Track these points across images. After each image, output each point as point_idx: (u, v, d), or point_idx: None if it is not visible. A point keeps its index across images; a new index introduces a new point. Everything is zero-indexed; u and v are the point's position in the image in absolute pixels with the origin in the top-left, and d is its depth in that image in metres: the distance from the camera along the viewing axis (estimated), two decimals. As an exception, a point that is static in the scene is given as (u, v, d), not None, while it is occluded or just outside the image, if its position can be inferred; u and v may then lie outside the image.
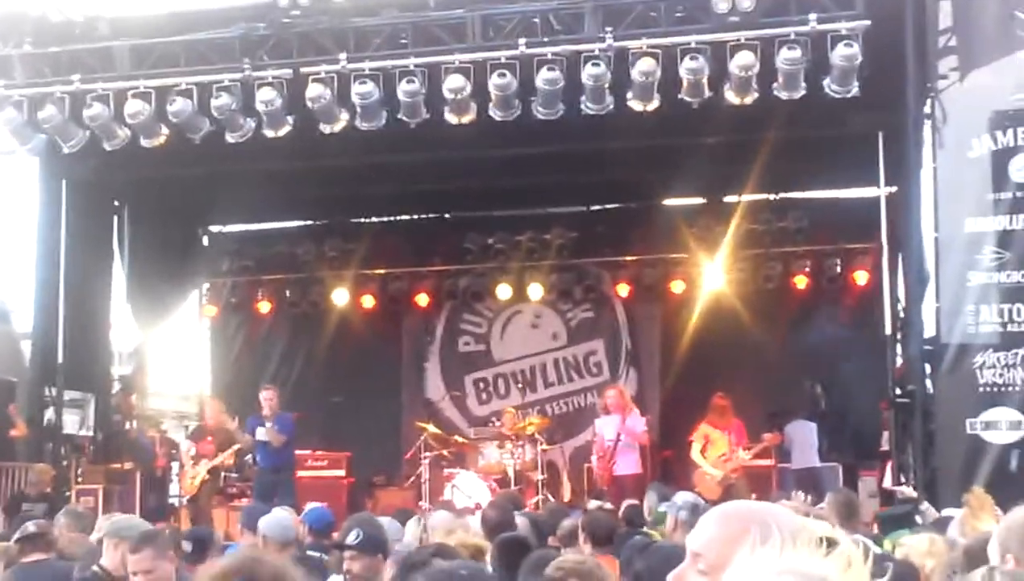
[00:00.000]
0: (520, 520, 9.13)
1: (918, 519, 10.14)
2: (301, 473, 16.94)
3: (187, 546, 8.69)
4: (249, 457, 17.90)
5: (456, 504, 15.03)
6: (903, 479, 13.86)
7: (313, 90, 13.63)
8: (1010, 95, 12.64)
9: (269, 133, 14.10)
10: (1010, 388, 12.44)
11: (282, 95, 13.77)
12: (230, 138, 14.17)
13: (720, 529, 2.70)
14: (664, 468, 17.54)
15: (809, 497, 12.14)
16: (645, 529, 8.85)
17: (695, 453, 15.60)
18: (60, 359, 15.78)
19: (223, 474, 16.73)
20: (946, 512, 10.69)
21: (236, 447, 15.83)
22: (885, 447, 15.42)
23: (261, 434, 15.47)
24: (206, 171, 15.96)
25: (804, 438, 16.87)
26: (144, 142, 14.29)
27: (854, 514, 8.82)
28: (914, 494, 12.12)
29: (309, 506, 11.23)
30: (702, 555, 2.67)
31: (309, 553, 8.49)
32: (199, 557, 8.34)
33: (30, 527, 8.08)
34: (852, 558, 2.07)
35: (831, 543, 2.15)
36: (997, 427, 12.44)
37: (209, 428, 16.44)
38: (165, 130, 14.27)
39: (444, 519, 9.17)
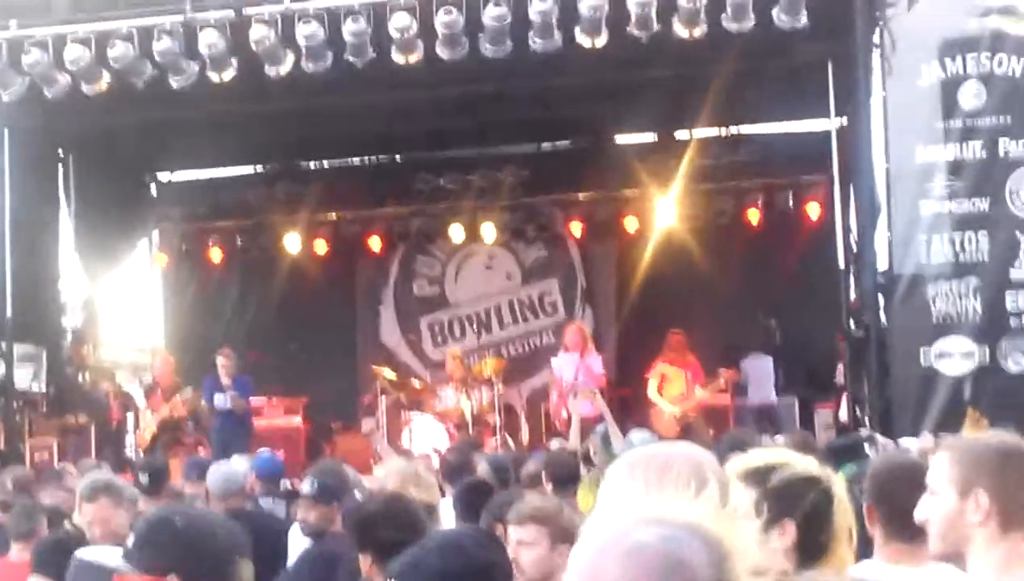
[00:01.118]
0: (482, 465, 9.09)
1: (868, 450, 10.17)
2: (258, 421, 16.87)
3: (143, 478, 8.67)
4: (205, 405, 17.84)
5: (414, 448, 15.01)
6: (858, 411, 13.93)
7: (257, 32, 13.39)
8: (959, 22, 12.61)
9: (214, 77, 13.88)
10: (963, 318, 12.48)
11: (225, 37, 13.52)
12: (174, 83, 13.93)
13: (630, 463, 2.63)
14: (621, 406, 17.52)
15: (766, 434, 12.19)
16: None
17: (652, 391, 15.65)
18: (9, 313, 15.54)
19: (178, 425, 16.64)
20: (903, 442, 10.74)
21: (182, 398, 15.79)
22: (840, 380, 15.47)
23: (220, 401, 15.42)
24: (151, 117, 15.69)
25: (760, 373, 16.94)
26: (85, 89, 14.03)
27: (811, 453, 8.80)
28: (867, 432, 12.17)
29: (258, 454, 11.18)
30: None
31: (260, 501, 8.45)
32: (156, 489, 8.32)
33: None
34: (726, 496, 1.96)
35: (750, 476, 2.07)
36: (950, 357, 12.49)
37: (159, 382, 16.38)
38: (107, 76, 14.01)
39: (399, 467, 9.07)
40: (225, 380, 15.47)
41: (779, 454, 3.16)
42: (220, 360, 15.67)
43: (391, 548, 4.42)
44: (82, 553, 2.93)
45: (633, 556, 1.79)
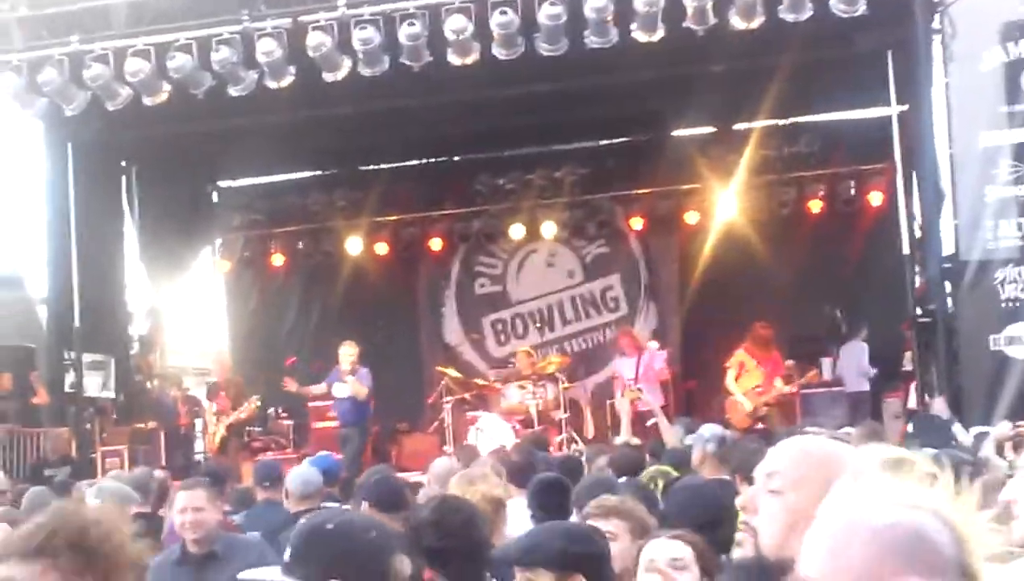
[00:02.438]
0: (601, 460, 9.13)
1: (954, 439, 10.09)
2: (324, 424, 16.99)
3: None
4: (272, 410, 18.00)
5: (481, 446, 15.03)
6: (927, 399, 13.80)
7: (313, 38, 13.50)
8: (1020, 5, 12.46)
9: (272, 84, 13.99)
10: (1033, 302, 12.35)
11: (282, 45, 13.63)
12: (233, 91, 14.06)
13: (796, 455, 2.71)
14: (687, 400, 17.52)
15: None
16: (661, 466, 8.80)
17: (730, 380, 15.43)
18: (77, 322, 15.76)
19: (246, 428, 16.82)
20: (975, 430, 10.66)
21: (248, 407, 16.01)
22: (908, 367, 15.34)
23: (340, 390, 15.57)
24: (211, 126, 15.87)
25: (852, 360, 16.83)
26: (146, 100, 14.19)
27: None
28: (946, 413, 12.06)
29: (317, 456, 11.27)
30: (777, 472, 2.68)
31: (323, 505, 8.51)
32: (220, 491, 8.43)
33: None
34: (956, 488, 2.02)
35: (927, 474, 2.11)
36: (1020, 342, 12.36)
37: (221, 384, 16.57)
38: (167, 87, 14.16)
39: (445, 467, 9.10)
40: (346, 368, 15.66)
41: (898, 450, 3.22)
42: (345, 350, 15.88)
43: (438, 555, 4.55)
44: (244, 574, 2.98)
45: (883, 533, 1.87)
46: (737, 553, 2.77)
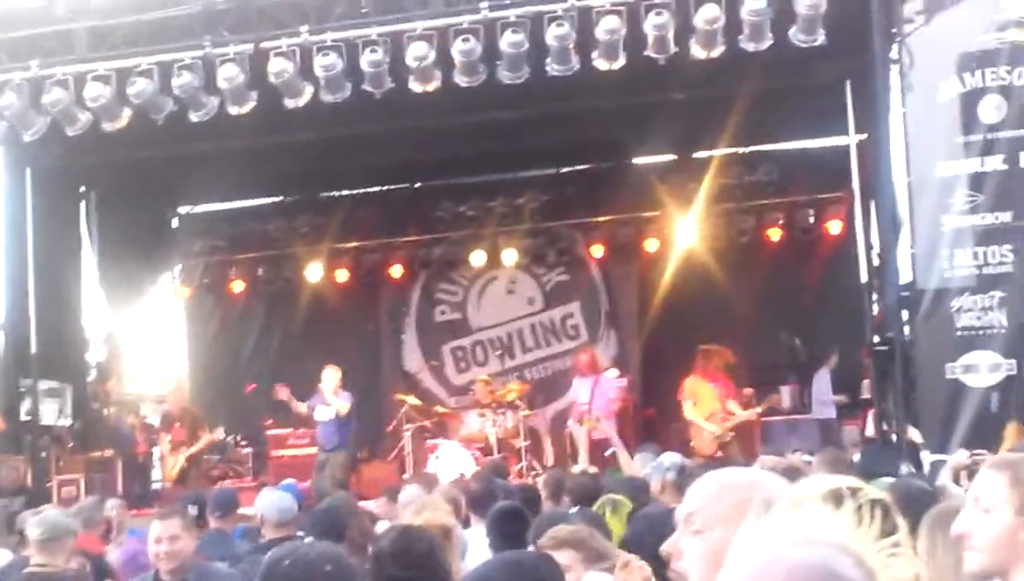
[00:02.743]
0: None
1: (903, 468, 10.14)
2: (283, 452, 16.94)
3: (192, 510, 8.81)
4: (231, 438, 17.91)
5: (440, 474, 14.98)
6: (885, 426, 13.88)
7: (275, 64, 13.47)
8: (977, 36, 12.57)
9: (233, 110, 13.93)
10: (988, 331, 12.42)
11: (244, 71, 13.59)
12: (194, 117, 13.99)
13: (713, 491, 2.68)
14: (646, 427, 17.54)
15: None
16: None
17: (687, 409, 15.47)
18: (33, 349, 15.62)
19: (204, 457, 16.72)
20: (931, 458, 10.72)
21: (208, 439, 15.94)
22: (866, 395, 15.43)
23: (323, 413, 15.60)
24: (172, 152, 15.77)
25: (820, 386, 16.95)
26: (106, 125, 14.10)
27: (844, 471, 8.79)
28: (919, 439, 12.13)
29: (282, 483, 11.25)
30: (695, 513, 2.66)
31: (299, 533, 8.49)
32: (202, 522, 8.42)
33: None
34: (861, 514, 2.04)
35: (837, 499, 2.11)
36: (976, 370, 12.43)
37: (175, 414, 16.45)
38: (127, 112, 14.07)
39: (413, 494, 9.10)
40: (332, 391, 15.74)
41: (846, 479, 3.20)
42: (326, 373, 16.00)
43: None
44: None
45: (796, 572, 1.86)
46: None
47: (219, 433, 16.32)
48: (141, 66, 13.74)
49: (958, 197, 12.54)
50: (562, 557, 4.85)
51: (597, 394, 15.78)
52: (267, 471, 17.06)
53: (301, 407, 16.29)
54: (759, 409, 15.65)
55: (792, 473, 5.97)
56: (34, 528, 7.31)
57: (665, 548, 2.74)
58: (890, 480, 6.39)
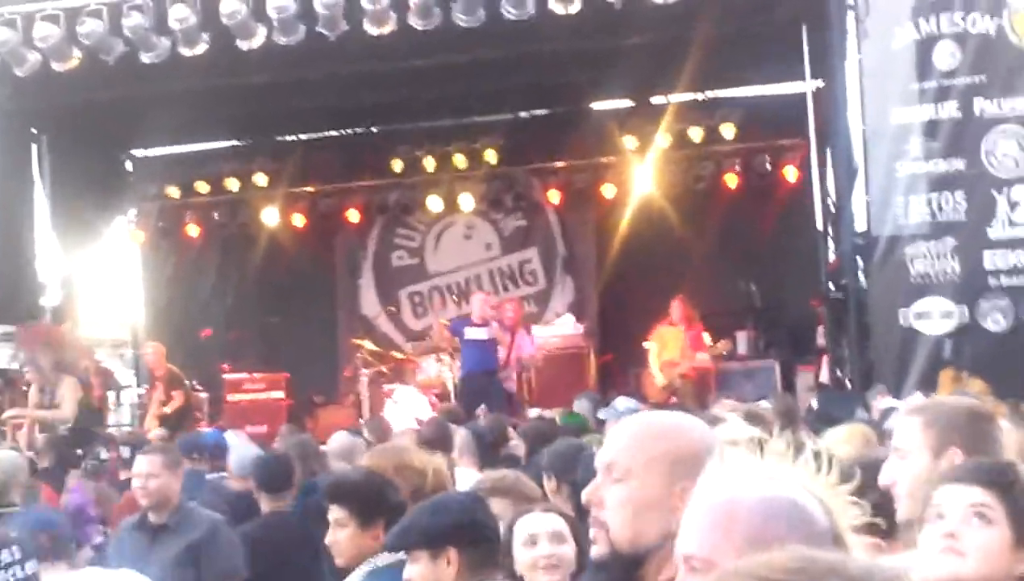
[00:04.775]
0: (463, 433, 9.12)
1: (858, 413, 10.20)
2: (239, 396, 16.89)
3: (126, 452, 8.82)
4: (187, 383, 17.84)
5: (396, 420, 14.98)
6: (839, 372, 13.98)
7: (227, 5, 13.32)
8: (932, -19, 12.58)
9: (185, 52, 13.80)
10: (941, 278, 12.50)
11: (196, 12, 13.45)
12: (145, 59, 13.86)
13: (633, 438, 2.66)
14: (603, 373, 17.57)
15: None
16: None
17: (651, 356, 15.60)
18: (-13, 293, 15.49)
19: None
20: (883, 404, 10.78)
21: (175, 404, 15.82)
22: (821, 342, 15.51)
23: (473, 333, 15.34)
24: (124, 94, 15.59)
25: None
26: (56, 66, 13.93)
27: (794, 419, 8.86)
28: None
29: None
30: (616, 461, 2.64)
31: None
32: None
33: None
34: (817, 464, 2.06)
35: (797, 449, 2.11)
36: (929, 317, 12.51)
37: (154, 373, 16.38)
38: (78, 53, 13.92)
39: (342, 440, 9.10)
40: (482, 316, 15.56)
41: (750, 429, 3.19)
42: (481, 298, 16.14)
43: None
44: None
45: (764, 504, 1.95)
46: (593, 550, 2.70)
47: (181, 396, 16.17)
48: (91, 6, 13.57)
49: (912, 144, 12.58)
50: (491, 505, 4.88)
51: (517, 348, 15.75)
52: (221, 416, 17.00)
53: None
54: (705, 355, 15.71)
55: (754, 419, 6.01)
56: None
57: (586, 496, 2.71)
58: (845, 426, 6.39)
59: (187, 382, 16.23)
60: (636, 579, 2.58)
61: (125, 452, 8.91)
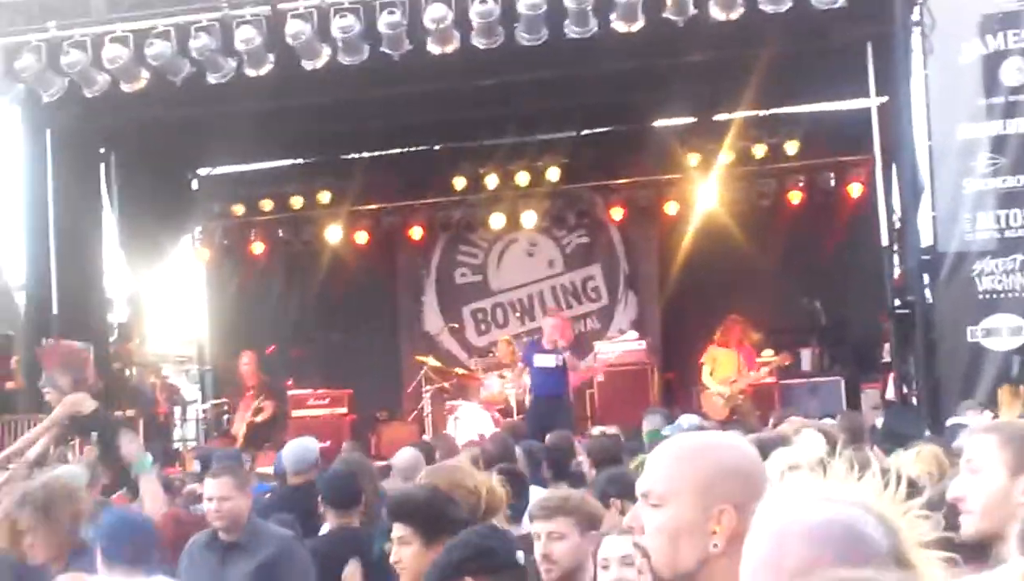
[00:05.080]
0: (518, 450, 9.13)
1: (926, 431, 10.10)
2: (303, 412, 17.00)
3: (196, 466, 8.95)
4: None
5: (459, 436, 15.02)
6: (905, 390, 13.85)
7: (292, 26, 13.42)
8: (998, -2, 12.49)
9: (251, 72, 13.91)
10: (1009, 294, 12.39)
11: (261, 33, 13.56)
12: (211, 79, 13.99)
13: (669, 463, 2.66)
14: (666, 390, 17.53)
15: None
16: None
17: (705, 375, 15.68)
18: (55, 310, 15.64)
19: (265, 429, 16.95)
20: (951, 420, 10.68)
21: (266, 415, 16.07)
22: (887, 359, 15.40)
23: (542, 361, 15.28)
24: (190, 114, 15.79)
25: None
26: (125, 87, 14.09)
27: (861, 437, 8.79)
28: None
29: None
30: (652, 487, 2.64)
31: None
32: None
33: None
34: (881, 483, 2.06)
35: (860, 463, 2.11)
36: (998, 334, 12.40)
37: (246, 382, 16.65)
38: (145, 74, 14.07)
39: (408, 456, 9.09)
40: (553, 340, 15.29)
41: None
42: (551, 322, 15.72)
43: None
44: None
45: (817, 532, 1.93)
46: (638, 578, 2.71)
47: (268, 407, 16.50)
48: (158, 28, 13.74)
49: (980, 160, 12.47)
50: (552, 526, 4.88)
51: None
52: (287, 431, 17.12)
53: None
54: (763, 371, 15.68)
55: (826, 436, 5.98)
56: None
57: (626, 522, 2.72)
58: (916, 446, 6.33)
59: (279, 394, 16.55)
60: None
61: (196, 466, 9.02)
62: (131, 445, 8.49)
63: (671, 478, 2.62)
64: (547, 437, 10.53)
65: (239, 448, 15.64)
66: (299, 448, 9.10)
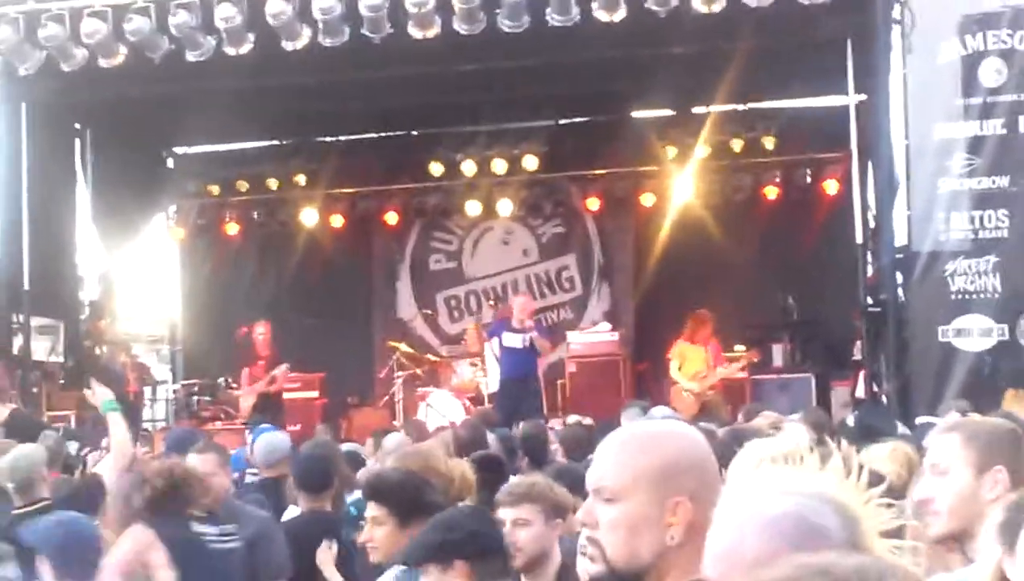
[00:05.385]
0: (491, 437, 9.13)
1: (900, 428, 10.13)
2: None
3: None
4: (222, 379, 17.96)
5: (430, 423, 15.01)
6: (875, 388, 13.91)
7: (273, 6, 13.38)
8: (978, -2, 12.54)
9: (230, 51, 13.87)
10: (981, 295, 12.44)
11: (242, 12, 13.51)
12: (190, 57, 13.94)
13: (619, 458, 2.64)
14: (639, 382, 17.55)
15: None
16: None
17: (673, 370, 15.67)
18: (27, 286, 15.56)
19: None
20: (920, 419, 10.72)
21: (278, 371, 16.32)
22: (858, 356, 15.45)
23: (511, 340, 15.35)
24: (168, 91, 15.67)
25: None
26: (102, 63, 14.04)
27: (825, 432, 8.81)
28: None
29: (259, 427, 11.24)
30: (605, 484, 2.61)
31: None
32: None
33: None
34: (843, 474, 2.06)
35: (823, 456, 2.11)
36: (969, 334, 12.46)
37: (260, 353, 16.74)
38: (123, 50, 14.02)
39: (398, 441, 9.14)
40: (521, 320, 15.40)
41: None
42: (520, 302, 15.92)
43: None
44: None
45: (770, 527, 1.93)
46: (591, 569, 2.68)
47: (281, 371, 16.39)
48: (138, 3, 13.67)
49: (956, 160, 12.53)
50: (519, 513, 4.88)
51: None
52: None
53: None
54: (733, 367, 15.73)
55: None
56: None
57: (581, 516, 2.69)
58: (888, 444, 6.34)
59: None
60: None
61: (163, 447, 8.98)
62: (97, 388, 8.46)
63: (623, 473, 2.58)
64: (522, 426, 10.54)
65: (255, 417, 15.61)
66: (270, 442, 9.03)
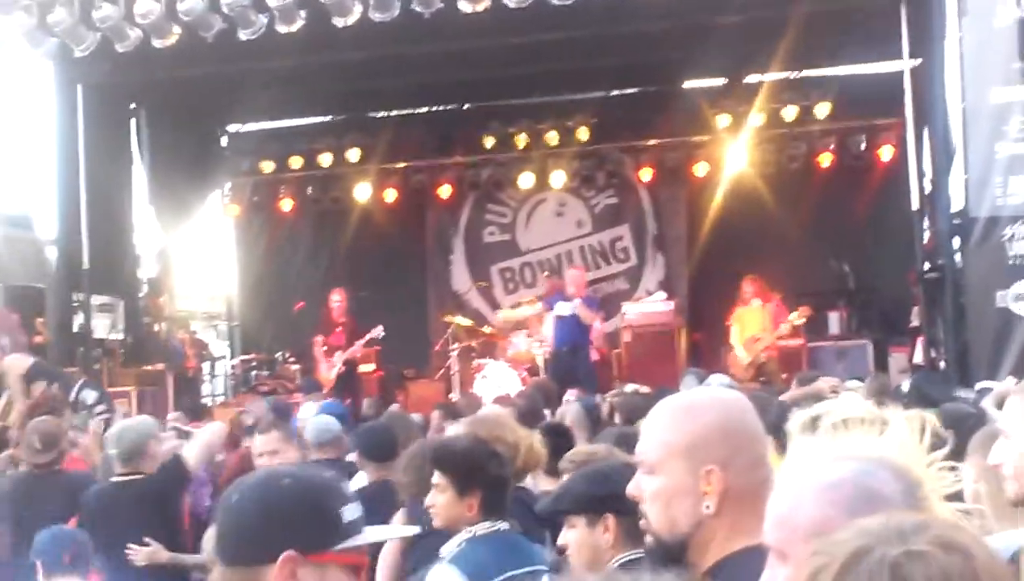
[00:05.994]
0: (575, 407, 9.17)
1: (960, 392, 10.07)
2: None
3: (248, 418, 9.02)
4: (280, 354, 18.11)
5: (486, 394, 15.06)
6: (933, 354, 13.83)
7: (325, -17, 13.44)
8: (1035, -39, 12.36)
9: (282, 28, 13.92)
10: (1040, 259, 12.32)
11: (293, -11, 13.58)
12: (243, 35, 14.00)
13: (658, 428, 2.70)
14: (693, 350, 17.54)
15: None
16: None
17: (733, 336, 15.78)
18: (86, 264, 15.75)
19: (254, 373, 16.95)
20: (979, 385, 10.66)
21: (370, 336, 16.45)
22: (915, 323, 15.36)
23: (563, 308, 15.58)
24: (221, 70, 15.80)
25: None
26: (156, 43, 14.12)
27: (887, 399, 8.77)
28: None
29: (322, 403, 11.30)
30: (645, 454, 2.68)
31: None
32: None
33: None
34: (902, 435, 2.06)
35: (879, 423, 2.12)
36: (1027, 299, 12.34)
37: (337, 320, 16.75)
38: (177, 29, 14.10)
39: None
40: (572, 291, 15.80)
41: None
42: (572, 274, 16.34)
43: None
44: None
45: (829, 492, 1.94)
46: (645, 540, 2.74)
47: (377, 331, 16.49)
48: (191, -17, 13.74)
49: (1012, 124, 12.38)
50: None
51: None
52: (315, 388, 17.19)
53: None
54: (785, 327, 15.68)
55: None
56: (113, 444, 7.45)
57: (630, 489, 2.75)
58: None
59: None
60: (685, 563, 2.61)
61: (248, 419, 9.09)
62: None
63: (658, 445, 2.67)
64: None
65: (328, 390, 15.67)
66: (320, 424, 9.08)
